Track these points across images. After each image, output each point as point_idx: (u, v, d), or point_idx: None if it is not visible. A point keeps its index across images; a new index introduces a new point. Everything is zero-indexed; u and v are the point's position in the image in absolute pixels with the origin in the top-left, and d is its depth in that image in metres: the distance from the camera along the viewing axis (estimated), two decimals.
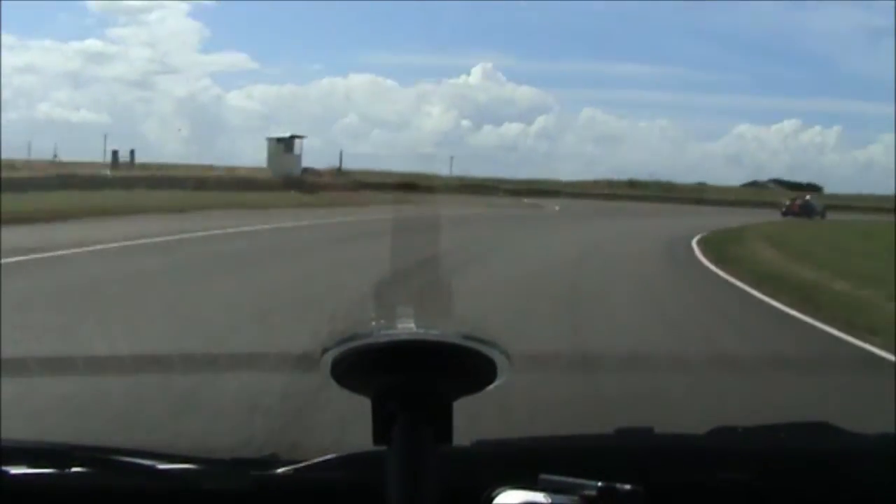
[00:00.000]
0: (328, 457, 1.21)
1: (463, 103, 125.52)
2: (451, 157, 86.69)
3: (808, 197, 58.54)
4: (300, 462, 1.22)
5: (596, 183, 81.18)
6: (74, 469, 1.19)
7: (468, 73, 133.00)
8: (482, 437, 1.26)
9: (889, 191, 70.99)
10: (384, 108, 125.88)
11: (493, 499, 1.09)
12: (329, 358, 0.95)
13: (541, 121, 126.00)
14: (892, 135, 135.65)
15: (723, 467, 1.29)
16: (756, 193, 79.55)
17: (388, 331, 0.94)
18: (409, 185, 63.32)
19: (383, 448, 0.96)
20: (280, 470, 1.20)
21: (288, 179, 41.25)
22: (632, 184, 79.96)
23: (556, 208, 40.35)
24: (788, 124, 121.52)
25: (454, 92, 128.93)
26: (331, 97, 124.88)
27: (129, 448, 1.24)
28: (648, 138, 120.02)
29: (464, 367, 0.95)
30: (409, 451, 0.95)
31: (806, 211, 52.57)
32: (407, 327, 0.95)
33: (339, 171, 68.02)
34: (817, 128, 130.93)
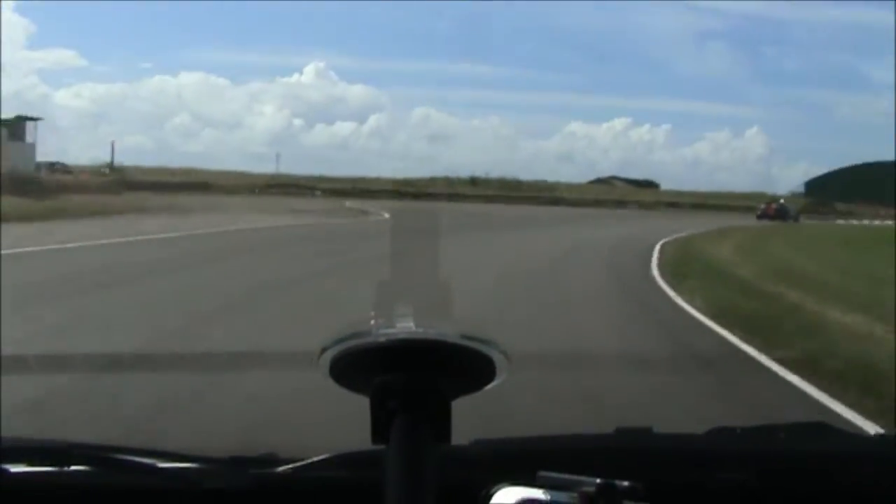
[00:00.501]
0: (327, 455, 1.25)
1: (295, 102, 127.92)
2: (278, 155, 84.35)
3: (781, 200, 61.36)
4: (299, 461, 1.25)
5: (433, 181, 76.72)
6: (73, 467, 1.23)
7: (301, 72, 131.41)
8: (480, 437, 1.33)
9: (718, 187, 77.99)
10: (216, 107, 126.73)
11: (491, 496, 1.12)
12: (328, 356, 0.99)
13: (373, 119, 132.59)
14: (720, 133, 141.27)
15: (721, 467, 1.33)
16: (607, 191, 79.55)
17: (387, 329, 0.99)
18: (201, 186, 51.07)
19: (382, 447, 1.00)
20: (279, 468, 1.24)
21: (13, 177, 32.23)
22: (473, 181, 75.88)
23: (385, 216, 32.35)
24: (619, 122, 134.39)
25: (287, 91, 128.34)
26: (161, 96, 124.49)
27: (129, 446, 1.29)
28: (481, 136, 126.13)
29: (463, 366, 1.00)
30: (407, 450, 0.99)
31: (781, 214, 54.25)
32: (406, 326, 0.99)
33: (110, 168, 54.83)
34: (647, 126, 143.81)
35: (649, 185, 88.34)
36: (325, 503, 1.27)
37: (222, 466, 1.26)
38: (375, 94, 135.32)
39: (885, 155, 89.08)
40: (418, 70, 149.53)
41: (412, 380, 0.97)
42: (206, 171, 67.40)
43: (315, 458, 1.25)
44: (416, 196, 62.00)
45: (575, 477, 1.08)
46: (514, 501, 1.11)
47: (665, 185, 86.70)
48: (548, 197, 64.56)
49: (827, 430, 1.42)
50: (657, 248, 22.23)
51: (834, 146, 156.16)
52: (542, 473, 1.10)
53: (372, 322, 0.97)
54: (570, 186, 77.74)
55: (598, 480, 1.06)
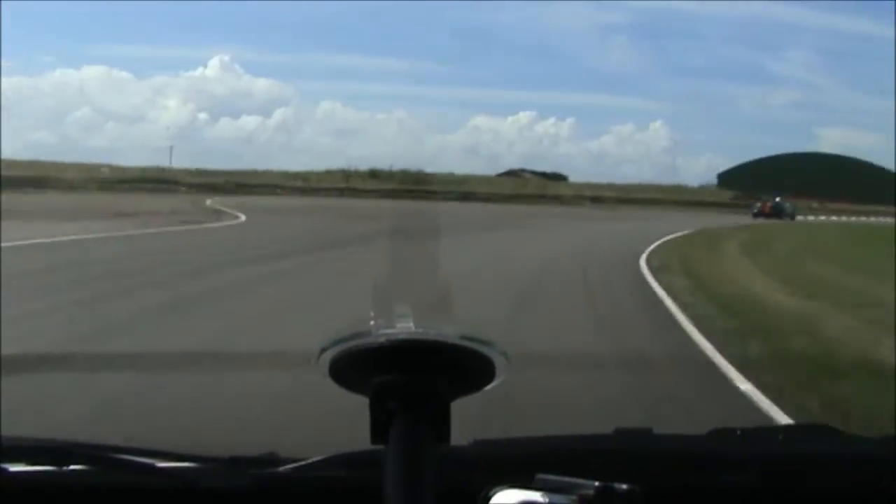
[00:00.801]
0: (326, 455, 1.29)
1: (200, 96, 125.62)
2: (171, 147, 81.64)
3: (777, 199, 60.00)
4: (298, 461, 1.29)
5: (329, 174, 69.95)
6: (73, 466, 1.26)
7: (205, 66, 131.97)
8: (480, 437, 1.34)
9: (623, 179, 77.23)
10: (119, 101, 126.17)
11: (489, 498, 1.15)
12: (327, 357, 1.03)
13: (279, 113, 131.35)
14: (625, 126, 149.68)
15: (721, 469, 1.36)
16: (520, 185, 74.62)
17: (387, 330, 1.02)
18: (38, 181, 43.71)
19: (381, 447, 1.04)
20: (278, 468, 1.28)
21: None
22: (374, 175, 69.68)
23: (241, 218, 27.28)
24: (524, 116, 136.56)
25: (191, 85, 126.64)
26: (63, 89, 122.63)
27: (129, 446, 1.32)
28: (387, 131, 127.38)
29: (462, 366, 1.00)
30: (407, 450, 1.02)
31: (777, 212, 54.56)
32: (405, 327, 1.03)
33: None
34: (552, 119, 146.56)
35: (558, 177, 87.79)
36: (324, 503, 1.31)
37: (222, 466, 1.29)
38: (281, 88, 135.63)
39: (786, 147, 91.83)
40: (325, 64, 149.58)
41: (411, 380, 1.00)
42: (52, 165, 58.42)
43: (315, 458, 1.28)
44: (304, 192, 54.02)
45: (573, 480, 1.11)
46: (512, 503, 1.15)
47: (572, 178, 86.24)
48: (456, 192, 57.10)
49: (827, 431, 1.44)
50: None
51: (736, 138, 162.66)
52: (541, 476, 1.14)
53: (371, 322, 1.00)
54: (479, 179, 75.19)
55: (596, 483, 1.09)
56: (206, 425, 4.27)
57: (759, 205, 57.93)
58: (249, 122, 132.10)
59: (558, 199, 61.49)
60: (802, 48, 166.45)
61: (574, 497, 1.08)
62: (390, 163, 71.92)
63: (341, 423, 1.68)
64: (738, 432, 1.38)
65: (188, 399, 5.30)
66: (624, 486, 1.07)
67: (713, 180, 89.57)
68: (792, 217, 54.74)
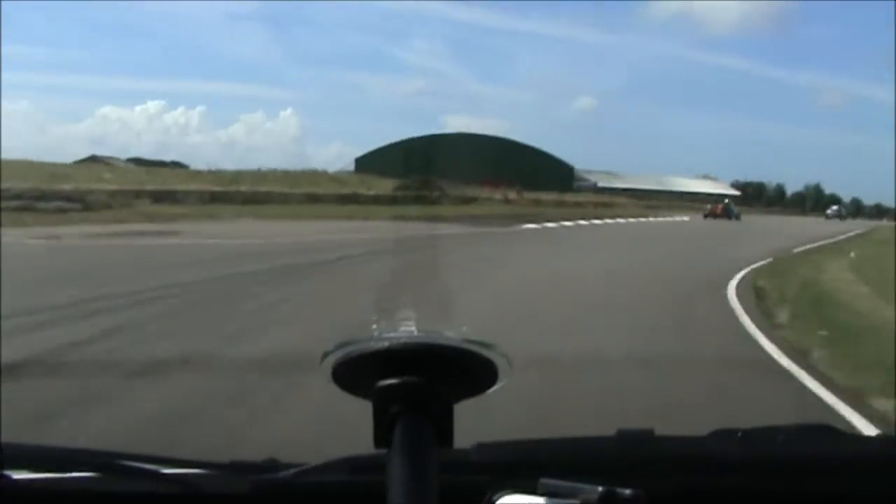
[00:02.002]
0: (328, 460, 1.30)
1: None
2: None
3: (726, 201, 67.18)
4: (300, 465, 1.30)
5: None
6: (75, 473, 1.28)
7: None
8: (483, 441, 1.34)
9: (254, 167, 64.29)
10: None
11: (493, 502, 1.17)
12: (330, 361, 1.04)
13: None
14: (255, 114, 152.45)
15: (724, 470, 1.37)
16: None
17: (390, 334, 1.04)
18: None
19: (384, 451, 1.05)
20: (280, 474, 1.29)
21: None
22: None
23: None
24: (153, 105, 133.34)
25: None
26: None
27: (130, 452, 1.32)
28: (9, 120, 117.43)
29: (465, 370, 1.01)
30: (410, 454, 1.02)
31: (727, 214, 59.86)
32: (408, 330, 1.05)
33: None
34: (181, 108, 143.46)
35: (177, 165, 77.38)
36: None
37: (223, 472, 1.30)
38: None
39: (415, 134, 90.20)
40: None
41: (414, 384, 1.00)
42: None
43: (316, 463, 1.29)
44: None
45: (576, 484, 1.11)
46: None
47: (198, 167, 73.11)
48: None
49: (830, 432, 1.46)
50: None
51: (366, 125, 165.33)
52: (544, 481, 1.14)
53: (374, 326, 1.00)
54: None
55: (599, 488, 1.09)
56: None
57: (709, 207, 64.62)
58: None
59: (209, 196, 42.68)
60: (428, 38, 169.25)
61: (577, 502, 1.09)
62: (21, 154, 63.28)
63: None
64: (740, 434, 1.39)
65: None
66: (627, 491, 1.08)
67: (350, 166, 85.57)
68: (738, 218, 59.88)
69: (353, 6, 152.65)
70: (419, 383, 0.99)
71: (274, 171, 63.47)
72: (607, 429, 1.38)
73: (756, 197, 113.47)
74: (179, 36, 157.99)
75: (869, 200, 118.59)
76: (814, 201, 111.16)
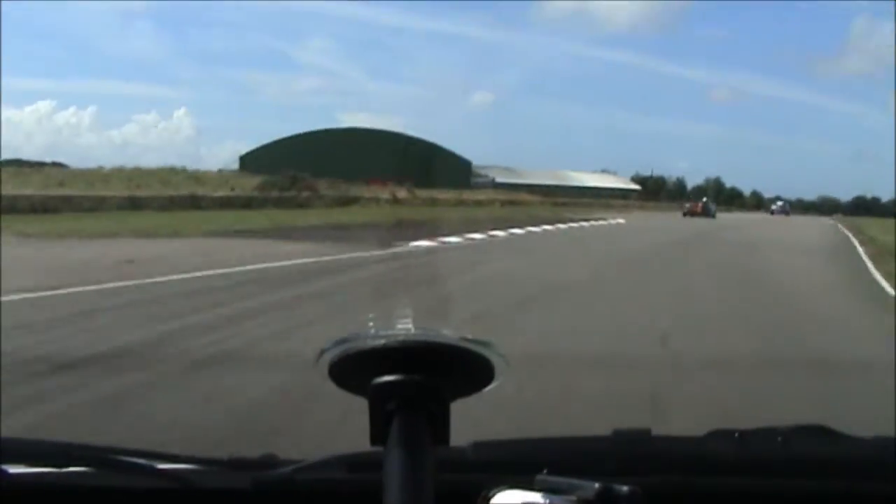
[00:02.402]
0: (326, 457, 1.32)
1: None
2: None
3: (704, 199, 67.92)
4: (298, 462, 1.31)
5: None
6: (73, 468, 1.28)
7: None
8: (480, 439, 1.36)
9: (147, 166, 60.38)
10: None
11: (489, 499, 1.16)
12: (327, 359, 1.04)
13: None
14: (148, 115, 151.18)
15: (720, 470, 1.38)
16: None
17: (386, 332, 1.04)
18: None
19: (380, 448, 1.05)
20: (278, 470, 1.30)
21: None
22: None
23: None
24: (43, 106, 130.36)
25: None
26: None
27: (128, 448, 1.34)
28: None
29: (461, 368, 1.01)
30: (406, 452, 1.02)
31: (706, 212, 59.94)
32: (405, 329, 1.05)
33: None
34: (73, 108, 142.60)
35: (57, 165, 69.94)
36: None
37: (221, 468, 1.31)
38: None
39: (304, 131, 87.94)
40: None
41: (411, 382, 1.00)
42: None
43: (314, 460, 1.30)
44: None
45: (573, 481, 1.12)
46: None
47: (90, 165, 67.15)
48: None
49: (826, 432, 1.46)
50: None
51: (261, 124, 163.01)
52: (541, 477, 1.14)
53: (371, 324, 1.01)
54: None
55: (596, 485, 1.09)
56: None
57: (688, 205, 65.13)
58: None
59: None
60: (325, 37, 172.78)
61: (574, 498, 1.09)
62: None
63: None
64: (737, 434, 1.39)
65: None
66: (624, 488, 1.08)
67: (235, 164, 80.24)
68: (714, 216, 59.94)
69: (248, 6, 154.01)
70: (416, 381, 0.99)
71: (138, 170, 56.65)
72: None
73: (656, 191, 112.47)
74: (70, 34, 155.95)
75: (769, 193, 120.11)
76: (715, 193, 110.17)
